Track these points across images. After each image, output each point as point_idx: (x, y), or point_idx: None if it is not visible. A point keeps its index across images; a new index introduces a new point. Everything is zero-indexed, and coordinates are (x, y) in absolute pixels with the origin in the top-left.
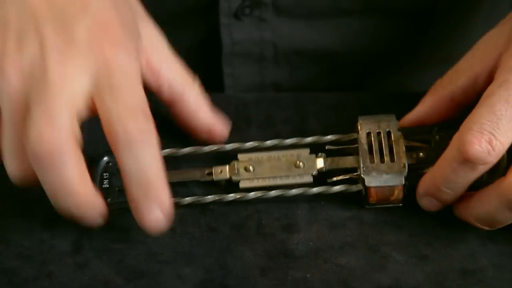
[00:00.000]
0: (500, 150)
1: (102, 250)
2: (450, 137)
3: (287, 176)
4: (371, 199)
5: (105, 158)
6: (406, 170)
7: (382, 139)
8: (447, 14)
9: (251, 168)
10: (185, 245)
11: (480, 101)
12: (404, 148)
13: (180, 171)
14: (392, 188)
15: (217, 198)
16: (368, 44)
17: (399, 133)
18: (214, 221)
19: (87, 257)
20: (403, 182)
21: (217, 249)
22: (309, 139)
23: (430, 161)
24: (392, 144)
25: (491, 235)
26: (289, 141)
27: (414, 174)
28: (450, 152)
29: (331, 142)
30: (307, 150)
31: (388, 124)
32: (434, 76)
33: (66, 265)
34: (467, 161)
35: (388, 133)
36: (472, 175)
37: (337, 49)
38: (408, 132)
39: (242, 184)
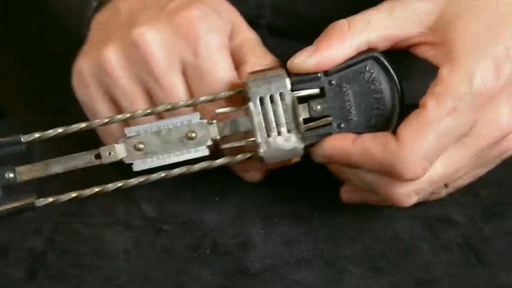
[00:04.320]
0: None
1: (57, 276)
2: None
3: (181, 152)
4: (269, 166)
5: None
6: (304, 141)
7: (277, 107)
8: None
9: (141, 146)
10: (141, 268)
11: (425, 121)
12: (300, 113)
13: (66, 157)
14: (289, 160)
15: (120, 184)
16: None
17: (293, 96)
18: (169, 242)
19: (42, 285)
20: (302, 153)
21: (174, 270)
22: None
23: (329, 109)
24: (287, 110)
25: (445, 245)
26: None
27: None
28: (379, 155)
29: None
30: (197, 115)
31: (279, 84)
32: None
33: None
34: (397, 178)
35: (281, 95)
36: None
37: None
38: (298, 82)
39: (136, 167)
